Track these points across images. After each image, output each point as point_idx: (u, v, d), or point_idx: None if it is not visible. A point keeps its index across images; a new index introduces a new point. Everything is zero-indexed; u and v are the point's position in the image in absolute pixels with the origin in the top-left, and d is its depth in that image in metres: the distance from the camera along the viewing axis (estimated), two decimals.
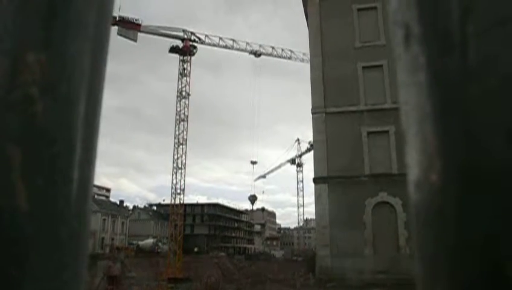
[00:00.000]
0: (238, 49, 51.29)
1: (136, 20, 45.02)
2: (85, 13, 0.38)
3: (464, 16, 0.30)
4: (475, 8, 0.29)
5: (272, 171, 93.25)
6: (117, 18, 42.11)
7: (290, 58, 52.27)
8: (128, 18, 44.04)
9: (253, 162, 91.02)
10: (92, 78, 0.40)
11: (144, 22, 44.91)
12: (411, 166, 0.34)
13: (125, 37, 43.77)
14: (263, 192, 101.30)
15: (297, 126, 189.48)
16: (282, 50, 52.69)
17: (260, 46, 51.84)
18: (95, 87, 0.40)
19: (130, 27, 44.01)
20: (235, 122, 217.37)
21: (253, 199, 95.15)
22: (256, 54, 51.62)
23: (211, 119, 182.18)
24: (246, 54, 51.55)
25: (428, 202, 0.32)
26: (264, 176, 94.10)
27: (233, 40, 50.66)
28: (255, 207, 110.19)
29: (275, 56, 52.74)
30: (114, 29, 42.51)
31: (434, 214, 0.32)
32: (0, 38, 0.33)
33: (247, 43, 51.02)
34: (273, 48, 52.43)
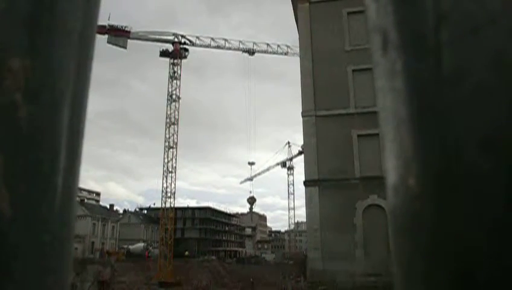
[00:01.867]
0: (230, 49, 50.64)
1: (125, 27, 44.80)
2: (70, 19, 0.38)
3: (438, 23, 0.31)
4: (449, 16, 0.30)
5: (259, 174, 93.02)
6: (107, 27, 41.87)
7: (286, 54, 50.40)
8: (117, 26, 43.79)
9: (251, 163, 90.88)
10: (77, 84, 0.39)
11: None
12: (389, 171, 0.35)
13: (115, 44, 43.55)
14: (250, 192, 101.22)
15: (283, 129, 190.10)
16: (278, 46, 51.02)
17: (254, 43, 50.80)
18: (79, 93, 0.40)
19: (119, 34, 43.80)
20: (221, 125, 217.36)
21: (251, 201, 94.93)
22: (250, 52, 50.58)
23: (197, 122, 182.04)
24: (239, 53, 50.83)
25: (405, 206, 0.33)
26: (251, 179, 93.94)
27: (226, 40, 50.14)
28: (245, 210, 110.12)
29: (270, 53, 51.34)
30: (104, 38, 42.27)
31: (410, 218, 0.32)
32: None
33: (240, 42, 50.34)
34: (268, 44, 51.18)
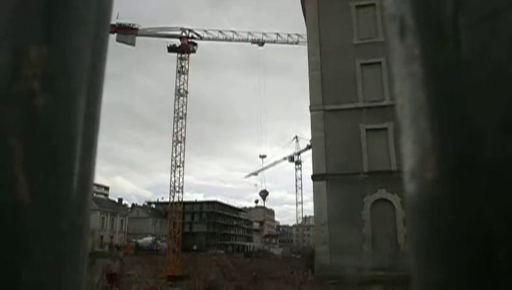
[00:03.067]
0: (240, 40, 50.06)
1: (132, 24, 44.82)
2: (85, 10, 0.39)
3: (456, 9, 0.30)
4: (467, 1, 0.30)
5: (266, 168, 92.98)
6: (116, 26, 41.94)
7: (297, 43, 48.50)
8: (125, 24, 43.81)
9: (262, 156, 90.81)
10: (92, 74, 0.40)
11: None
12: (406, 157, 0.35)
13: (123, 42, 43.56)
14: (256, 185, 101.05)
15: (289, 123, 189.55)
16: (289, 35, 49.54)
17: (263, 34, 49.67)
18: (95, 82, 0.41)
19: (128, 32, 43.84)
20: (227, 120, 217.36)
21: (264, 194, 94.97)
22: (260, 43, 49.59)
23: (202, 116, 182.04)
24: (245, 46, 50.10)
25: (423, 191, 0.33)
26: (256, 173, 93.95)
27: (234, 32, 49.73)
28: (251, 204, 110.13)
29: (280, 42, 49.93)
30: (112, 36, 42.40)
31: (428, 203, 0.32)
32: (2, 33, 0.34)
33: (249, 33, 49.64)
34: (278, 34, 49.86)
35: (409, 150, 0.35)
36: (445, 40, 0.31)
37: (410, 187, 0.35)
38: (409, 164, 0.35)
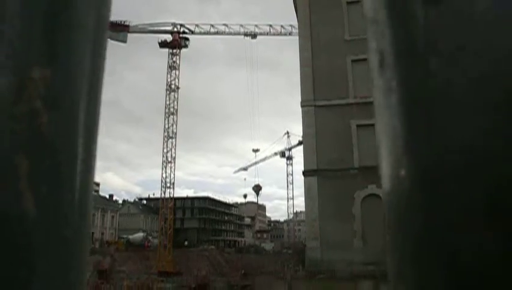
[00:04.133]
0: (231, 34, 49.61)
1: (124, 21, 44.50)
2: (85, 28, 0.41)
3: (428, 44, 0.35)
4: (437, 37, 0.34)
5: (256, 163, 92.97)
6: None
7: (290, 34, 47.68)
8: (116, 21, 43.47)
9: (255, 150, 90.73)
10: (92, 88, 0.42)
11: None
12: (382, 165, 0.40)
13: (116, 40, 43.29)
14: (245, 179, 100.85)
15: (279, 119, 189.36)
16: (282, 26, 48.87)
17: (256, 26, 49.41)
18: (94, 96, 0.42)
19: (119, 30, 43.54)
20: (216, 115, 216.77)
21: (257, 189, 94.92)
22: (253, 35, 49.22)
23: (191, 111, 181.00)
24: (235, 41, 49.76)
25: (397, 196, 0.37)
26: (245, 169, 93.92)
27: (226, 25, 49.39)
28: (242, 200, 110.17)
29: (274, 34, 49.63)
30: None
31: (403, 207, 0.36)
32: (7, 54, 0.35)
33: (241, 25, 49.22)
34: (271, 26, 49.39)
35: (387, 173, 0.38)
36: (420, 72, 0.35)
37: (386, 192, 0.39)
38: (385, 171, 0.39)
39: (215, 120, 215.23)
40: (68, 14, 0.39)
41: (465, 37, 0.33)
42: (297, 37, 28.64)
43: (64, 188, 0.39)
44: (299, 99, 26.33)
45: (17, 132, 0.36)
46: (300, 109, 26.04)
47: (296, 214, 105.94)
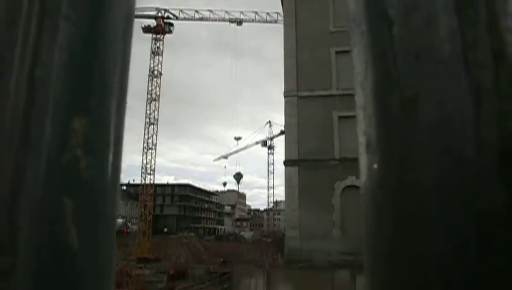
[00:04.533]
0: (216, 20, 48.97)
1: None
2: (111, 81, 0.49)
3: (396, 52, 0.39)
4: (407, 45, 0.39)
5: (237, 152, 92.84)
6: None
7: (276, 21, 47.31)
8: None
9: (237, 138, 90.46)
10: (116, 132, 0.49)
11: None
12: (361, 175, 0.43)
13: None
14: (225, 167, 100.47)
15: (261, 107, 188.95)
16: (268, 14, 48.43)
17: (241, 12, 48.80)
18: (118, 140, 0.50)
19: None
20: (197, 102, 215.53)
21: (238, 177, 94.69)
22: (238, 22, 48.63)
23: (172, 97, 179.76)
24: (218, 27, 49.09)
25: (370, 187, 0.41)
26: (226, 157, 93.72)
27: (210, 11, 48.73)
28: (221, 188, 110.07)
29: (259, 21, 49.17)
30: None
31: (374, 197, 0.40)
32: (52, 106, 0.42)
33: (226, 12, 48.59)
34: (256, 13, 48.85)
35: (362, 160, 0.44)
36: (391, 78, 0.40)
37: (362, 184, 0.43)
38: (362, 165, 0.43)
39: (197, 107, 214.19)
40: (99, 69, 0.46)
41: (421, 47, 0.37)
42: (282, 25, 28.54)
43: (101, 222, 0.46)
44: (282, 88, 26.34)
45: (64, 177, 0.42)
46: (283, 99, 26.06)
47: (276, 203, 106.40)
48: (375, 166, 0.40)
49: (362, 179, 0.43)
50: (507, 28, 0.35)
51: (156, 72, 45.26)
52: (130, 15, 0.52)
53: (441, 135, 0.36)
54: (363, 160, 0.43)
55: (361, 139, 0.44)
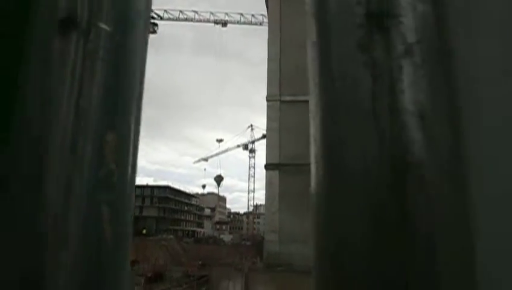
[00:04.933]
0: (201, 21, 48.84)
1: None
2: (132, 97, 0.59)
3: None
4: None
5: (217, 154, 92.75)
6: None
7: (261, 24, 48.11)
8: None
9: (219, 140, 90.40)
10: (134, 146, 0.59)
11: None
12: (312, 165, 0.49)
13: None
14: (205, 169, 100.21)
15: (241, 110, 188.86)
16: (253, 15, 49.32)
17: (226, 14, 49.20)
18: (136, 147, 0.60)
19: None
20: (181, 103, 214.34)
21: (219, 179, 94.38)
22: (223, 23, 48.84)
23: (155, 98, 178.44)
24: (199, 28, 49.16)
25: (316, 187, 0.49)
26: (206, 159, 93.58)
27: (195, 12, 48.62)
28: (201, 190, 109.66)
29: (244, 23, 49.67)
30: None
31: (318, 195, 0.48)
32: (89, 123, 0.51)
33: (211, 13, 48.58)
34: (241, 14, 49.58)
35: (313, 164, 0.50)
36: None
37: (312, 185, 0.51)
38: (313, 169, 0.50)
39: (179, 108, 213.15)
40: (124, 95, 0.56)
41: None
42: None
43: (125, 219, 0.56)
44: (264, 92, 26.41)
45: (102, 190, 0.51)
46: (265, 102, 26.13)
47: (256, 206, 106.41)
48: (320, 176, 0.48)
49: (312, 189, 0.48)
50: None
51: None
52: (145, 50, 0.66)
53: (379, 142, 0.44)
54: (313, 167, 0.51)
55: (312, 143, 0.50)
